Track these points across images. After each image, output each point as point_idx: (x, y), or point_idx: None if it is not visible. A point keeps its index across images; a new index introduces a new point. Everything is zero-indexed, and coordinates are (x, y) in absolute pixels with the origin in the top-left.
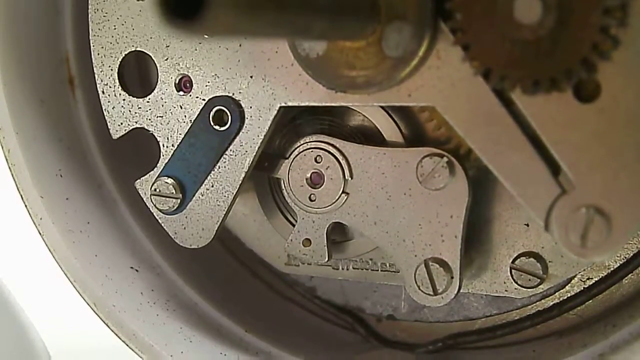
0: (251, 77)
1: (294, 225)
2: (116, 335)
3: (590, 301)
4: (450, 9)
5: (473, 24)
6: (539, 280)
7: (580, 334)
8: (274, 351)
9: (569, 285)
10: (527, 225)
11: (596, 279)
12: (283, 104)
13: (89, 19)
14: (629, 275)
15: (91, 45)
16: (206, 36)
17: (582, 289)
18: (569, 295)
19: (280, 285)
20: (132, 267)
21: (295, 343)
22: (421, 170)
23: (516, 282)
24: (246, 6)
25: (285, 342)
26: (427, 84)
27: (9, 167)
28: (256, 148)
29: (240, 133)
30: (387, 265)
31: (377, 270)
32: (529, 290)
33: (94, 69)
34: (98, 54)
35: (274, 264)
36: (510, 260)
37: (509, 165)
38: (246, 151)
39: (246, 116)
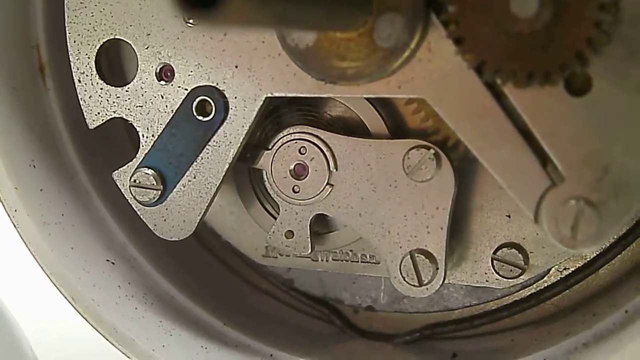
0: (236, 67)
1: (273, 217)
2: (96, 330)
3: (567, 291)
4: (443, 1)
5: (468, 17)
6: (520, 270)
7: (558, 323)
8: (252, 344)
9: (546, 275)
10: (509, 216)
11: (573, 269)
12: (269, 95)
13: (65, 5)
14: (606, 265)
15: (67, 32)
16: (223, 26)
17: (558, 278)
18: (546, 285)
19: (257, 277)
20: (108, 260)
21: (274, 335)
22: (408, 162)
23: (497, 273)
24: None
25: (263, 334)
26: (418, 76)
27: None
28: (240, 139)
29: (224, 123)
30: (367, 256)
31: (357, 261)
32: (510, 280)
33: (70, 57)
34: (74, 42)
35: (251, 256)
36: (492, 251)
37: (499, 157)
38: (230, 142)
39: (230, 107)
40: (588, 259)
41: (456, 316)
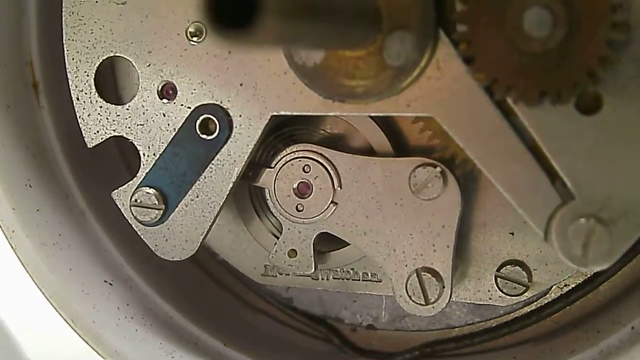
0: (241, 85)
1: (274, 235)
2: (98, 353)
3: (567, 307)
4: (454, 20)
5: (480, 36)
6: (524, 288)
7: (559, 339)
8: None
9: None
10: (512, 233)
11: (573, 286)
12: (275, 113)
13: (63, 22)
14: (606, 282)
15: (65, 49)
16: (254, 46)
17: (559, 295)
18: (546, 301)
19: (255, 297)
20: (105, 281)
21: (274, 355)
22: (414, 180)
23: (501, 290)
24: (294, 15)
25: (263, 354)
26: (426, 94)
27: None
28: (245, 158)
29: (228, 142)
30: (369, 274)
31: (359, 280)
32: (513, 298)
33: (68, 74)
34: (73, 59)
35: (250, 275)
36: (495, 269)
37: (509, 175)
38: (234, 161)
39: (235, 125)
40: (588, 276)
41: (456, 333)
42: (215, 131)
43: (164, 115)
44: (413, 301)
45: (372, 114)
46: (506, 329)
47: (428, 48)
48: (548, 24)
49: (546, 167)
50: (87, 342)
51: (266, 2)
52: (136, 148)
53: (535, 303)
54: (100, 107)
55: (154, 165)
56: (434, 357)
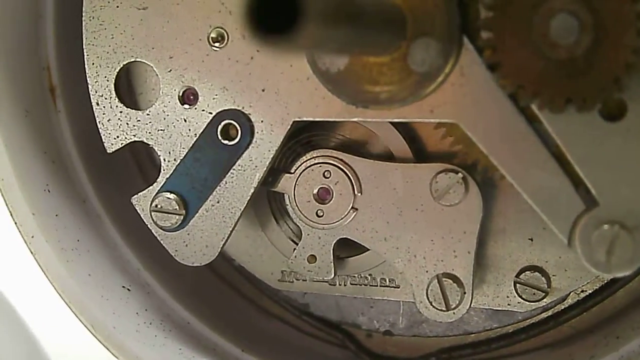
0: (263, 90)
1: (292, 240)
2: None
3: (585, 313)
4: (479, 27)
5: (506, 42)
6: (543, 294)
7: (577, 345)
8: None
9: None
10: (531, 239)
11: (590, 292)
12: (297, 119)
13: (83, 27)
14: (623, 287)
15: (85, 54)
16: (293, 51)
17: (576, 301)
18: (564, 307)
19: (272, 302)
20: (124, 286)
21: None
22: (435, 186)
23: (520, 296)
24: (332, 21)
25: None
26: (451, 100)
27: None
28: (267, 163)
29: (250, 147)
30: (387, 280)
31: (376, 285)
32: (532, 304)
33: (88, 79)
34: (93, 64)
35: (267, 280)
36: (514, 274)
37: (532, 182)
38: (256, 166)
39: (256, 130)
40: (605, 281)
41: (473, 339)
42: (236, 137)
43: (185, 120)
44: (434, 307)
45: (396, 120)
46: (523, 334)
47: (452, 54)
48: (575, 31)
49: (570, 174)
50: (107, 349)
51: (309, 8)
52: (157, 153)
53: (552, 309)
54: (121, 112)
55: (174, 170)
56: None
